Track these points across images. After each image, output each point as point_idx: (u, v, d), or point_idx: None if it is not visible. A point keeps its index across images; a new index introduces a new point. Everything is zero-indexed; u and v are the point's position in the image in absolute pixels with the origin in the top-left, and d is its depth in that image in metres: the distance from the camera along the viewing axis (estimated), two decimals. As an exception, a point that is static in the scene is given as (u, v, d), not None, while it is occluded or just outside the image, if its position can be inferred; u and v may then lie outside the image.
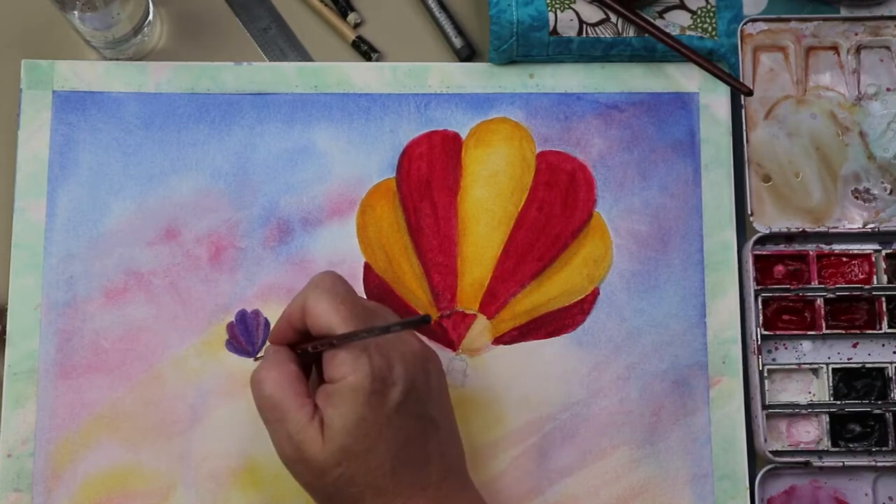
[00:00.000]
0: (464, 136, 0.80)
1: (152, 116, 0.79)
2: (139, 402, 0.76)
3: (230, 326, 0.77)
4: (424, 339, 0.77)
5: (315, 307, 0.63)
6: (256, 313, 0.77)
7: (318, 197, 0.79)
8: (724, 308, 0.78)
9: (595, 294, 0.78)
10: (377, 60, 0.82)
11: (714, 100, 0.80)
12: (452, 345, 0.77)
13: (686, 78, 0.80)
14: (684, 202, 0.79)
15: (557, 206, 0.79)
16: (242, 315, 0.77)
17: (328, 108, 0.80)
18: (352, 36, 0.82)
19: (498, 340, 0.77)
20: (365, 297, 0.77)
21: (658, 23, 0.80)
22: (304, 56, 0.82)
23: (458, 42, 0.81)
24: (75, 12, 0.75)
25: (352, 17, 0.82)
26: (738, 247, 0.79)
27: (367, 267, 0.78)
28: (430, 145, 0.79)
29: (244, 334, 0.77)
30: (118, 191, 0.78)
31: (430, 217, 0.78)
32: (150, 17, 0.80)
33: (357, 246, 0.78)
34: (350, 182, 0.79)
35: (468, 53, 0.82)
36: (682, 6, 0.81)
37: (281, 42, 0.82)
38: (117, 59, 0.80)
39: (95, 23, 0.76)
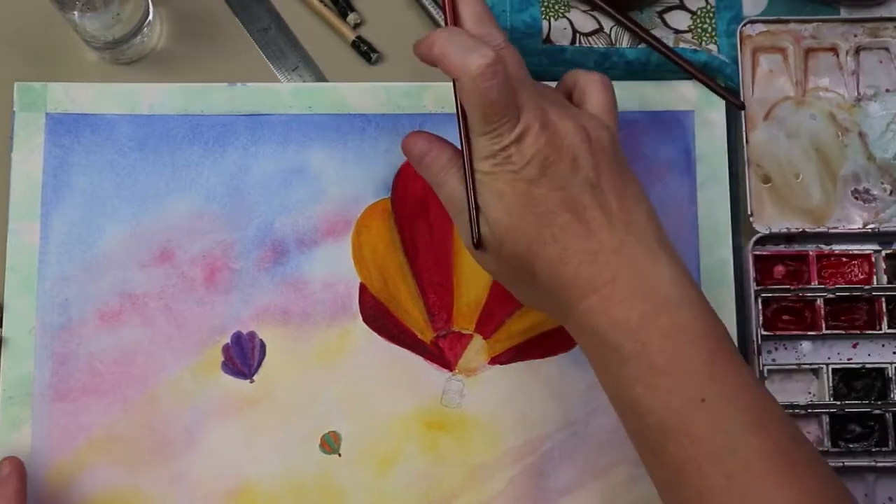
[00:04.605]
0: (459, 155, 0.79)
1: (146, 138, 0.79)
2: (135, 424, 0.76)
3: (225, 348, 0.77)
4: (420, 359, 0.77)
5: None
6: (252, 335, 0.77)
7: (314, 217, 0.78)
8: (722, 326, 0.77)
9: (592, 313, 0.78)
10: (377, 61, 0.82)
11: (710, 117, 0.80)
12: (449, 365, 0.77)
13: (682, 96, 0.80)
14: (681, 220, 0.79)
15: (554, 224, 0.78)
16: (238, 337, 0.77)
17: (323, 129, 0.79)
18: (352, 36, 0.82)
19: (494, 360, 0.77)
20: (361, 317, 0.77)
21: (655, 32, 0.80)
22: (304, 56, 0.82)
23: (456, 39, 0.82)
24: (75, 12, 0.75)
25: (352, 17, 0.82)
26: (738, 248, 0.79)
27: (362, 287, 0.77)
28: (426, 165, 0.79)
29: (240, 356, 0.77)
30: (112, 213, 0.78)
31: (426, 236, 0.78)
32: (150, 17, 0.80)
33: (353, 266, 0.78)
34: (345, 202, 0.79)
35: None
36: (682, 6, 0.82)
37: (281, 42, 0.82)
38: (117, 60, 0.81)
39: (95, 23, 0.76)
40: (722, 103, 0.80)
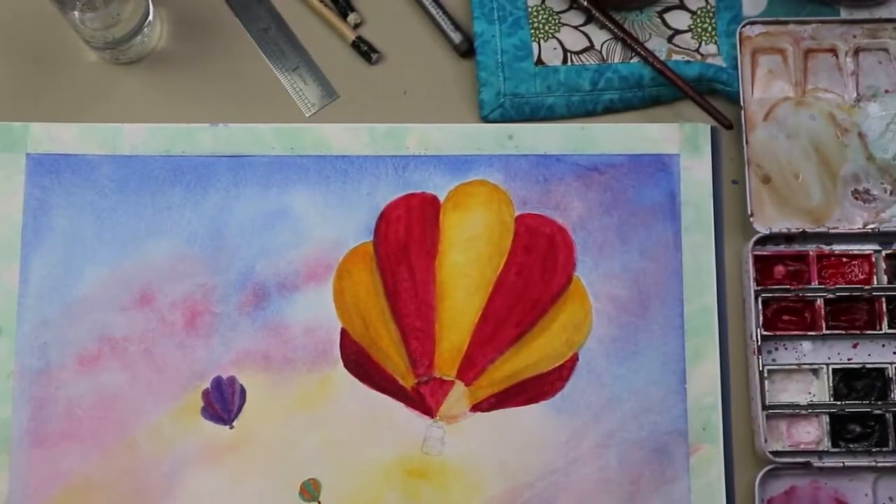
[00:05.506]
0: (442, 198, 0.79)
1: (127, 179, 0.78)
2: (113, 471, 0.75)
3: (205, 393, 0.76)
4: (401, 405, 0.76)
5: None
6: (232, 380, 0.77)
7: (295, 261, 0.78)
8: (705, 374, 0.77)
9: (574, 360, 0.77)
10: (377, 61, 0.82)
11: (695, 162, 0.79)
12: (430, 412, 0.76)
13: (666, 140, 0.80)
14: (664, 266, 0.78)
15: (536, 270, 0.78)
16: (218, 382, 0.77)
17: (305, 171, 0.79)
18: (352, 36, 0.82)
19: (476, 407, 0.77)
20: (342, 363, 0.77)
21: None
22: (304, 56, 0.82)
23: (456, 37, 0.81)
24: (75, 12, 0.76)
25: (352, 17, 0.82)
26: (738, 248, 0.79)
27: (343, 333, 0.77)
28: (408, 208, 0.79)
29: (219, 401, 0.76)
30: (92, 255, 0.77)
31: (408, 282, 0.78)
32: (150, 17, 0.80)
33: (334, 311, 0.77)
34: (327, 246, 0.78)
35: (467, 48, 0.81)
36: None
37: (281, 42, 0.82)
38: (117, 60, 0.81)
39: (95, 23, 0.76)
40: (708, 148, 0.79)
